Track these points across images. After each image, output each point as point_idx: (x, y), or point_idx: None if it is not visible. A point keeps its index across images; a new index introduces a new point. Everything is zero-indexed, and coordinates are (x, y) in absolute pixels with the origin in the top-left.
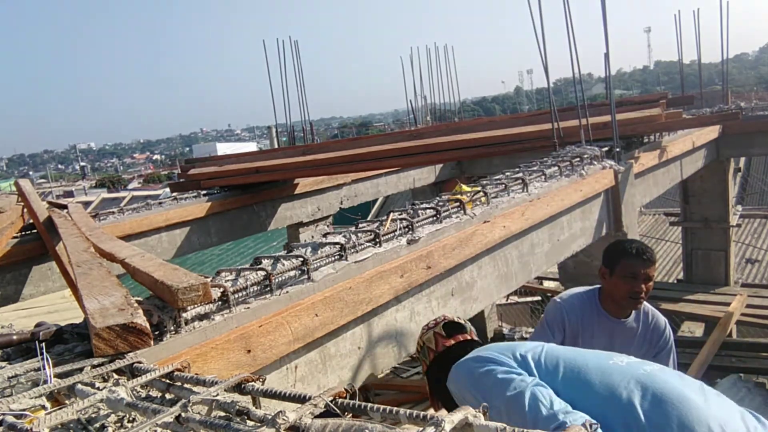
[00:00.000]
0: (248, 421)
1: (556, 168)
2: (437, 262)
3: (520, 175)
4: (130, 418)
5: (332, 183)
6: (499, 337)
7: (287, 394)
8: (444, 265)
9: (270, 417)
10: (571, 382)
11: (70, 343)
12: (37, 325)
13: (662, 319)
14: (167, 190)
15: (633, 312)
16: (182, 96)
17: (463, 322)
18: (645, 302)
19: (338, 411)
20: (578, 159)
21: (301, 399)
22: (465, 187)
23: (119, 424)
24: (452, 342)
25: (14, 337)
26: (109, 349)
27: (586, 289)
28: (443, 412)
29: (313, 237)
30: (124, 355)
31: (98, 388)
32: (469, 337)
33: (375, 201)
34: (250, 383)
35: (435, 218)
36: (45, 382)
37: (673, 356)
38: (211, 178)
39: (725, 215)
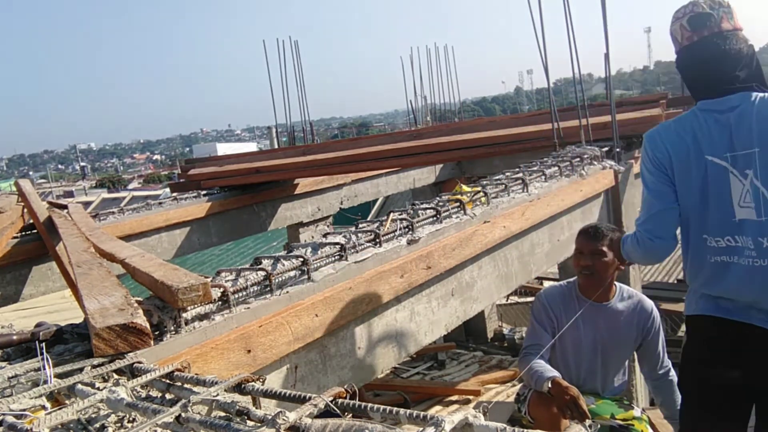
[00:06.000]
0: (248, 422)
1: (557, 168)
2: (437, 262)
3: (521, 175)
4: (130, 419)
5: (332, 183)
6: (499, 337)
7: (287, 394)
8: (444, 265)
9: (270, 417)
10: None
11: (70, 343)
12: (37, 325)
13: (648, 302)
14: (167, 190)
15: (615, 295)
16: (182, 96)
17: (708, 10)
18: (630, 288)
19: (338, 411)
20: (578, 159)
21: (301, 399)
22: (465, 188)
23: (119, 425)
24: (695, 38)
25: (14, 337)
26: (109, 349)
27: (568, 280)
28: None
29: (313, 237)
30: (124, 355)
31: (98, 388)
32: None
33: (375, 201)
34: (250, 383)
35: (435, 218)
36: (45, 382)
37: (662, 337)
38: (211, 178)
39: None
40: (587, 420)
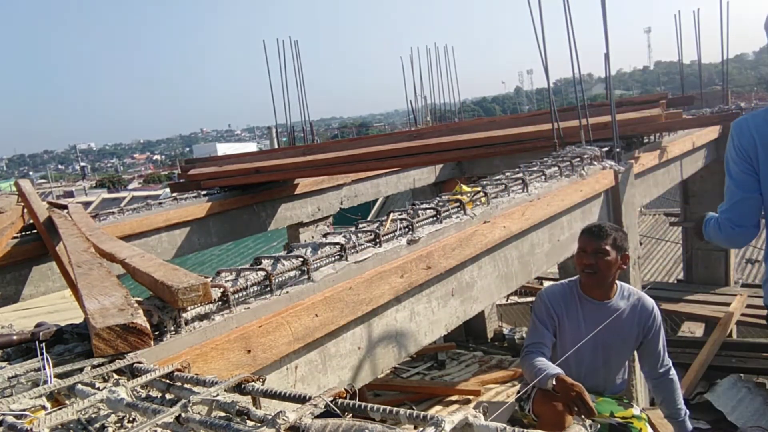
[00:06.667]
0: (248, 422)
1: (556, 168)
2: (437, 262)
3: (520, 175)
4: (130, 419)
5: (332, 183)
6: (499, 337)
7: (287, 394)
8: (444, 265)
9: (270, 417)
10: None
11: (70, 343)
12: (37, 325)
13: (649, 301)
14: (167, 190)
15: (617, 294)
16: (182, 96)
17: None
18: (631, 287)
19: (338, 411)
20: (578, 159)
21: (301, 399)
22: (465, 188)
23: (119, 425)
24: None
25: (14, 337)
26: (109, 349)
27: (570, 278)
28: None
29: (313, 237)
30: (124, 355)
31: (98, 389)
32: None
33: (375, 201)
34: (250, 383)
35: (435, 218)
36: (45, 382)
37: (662, 336)
38: (211, 178)
39: None
40: (587, 420)
